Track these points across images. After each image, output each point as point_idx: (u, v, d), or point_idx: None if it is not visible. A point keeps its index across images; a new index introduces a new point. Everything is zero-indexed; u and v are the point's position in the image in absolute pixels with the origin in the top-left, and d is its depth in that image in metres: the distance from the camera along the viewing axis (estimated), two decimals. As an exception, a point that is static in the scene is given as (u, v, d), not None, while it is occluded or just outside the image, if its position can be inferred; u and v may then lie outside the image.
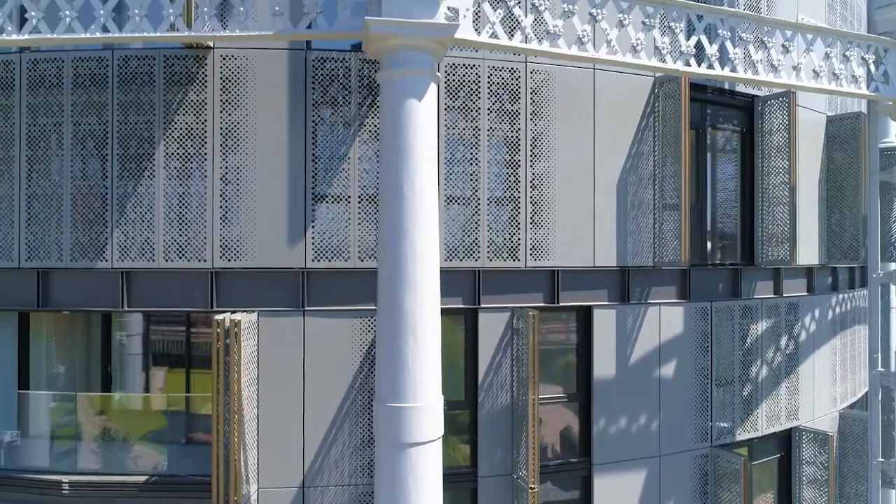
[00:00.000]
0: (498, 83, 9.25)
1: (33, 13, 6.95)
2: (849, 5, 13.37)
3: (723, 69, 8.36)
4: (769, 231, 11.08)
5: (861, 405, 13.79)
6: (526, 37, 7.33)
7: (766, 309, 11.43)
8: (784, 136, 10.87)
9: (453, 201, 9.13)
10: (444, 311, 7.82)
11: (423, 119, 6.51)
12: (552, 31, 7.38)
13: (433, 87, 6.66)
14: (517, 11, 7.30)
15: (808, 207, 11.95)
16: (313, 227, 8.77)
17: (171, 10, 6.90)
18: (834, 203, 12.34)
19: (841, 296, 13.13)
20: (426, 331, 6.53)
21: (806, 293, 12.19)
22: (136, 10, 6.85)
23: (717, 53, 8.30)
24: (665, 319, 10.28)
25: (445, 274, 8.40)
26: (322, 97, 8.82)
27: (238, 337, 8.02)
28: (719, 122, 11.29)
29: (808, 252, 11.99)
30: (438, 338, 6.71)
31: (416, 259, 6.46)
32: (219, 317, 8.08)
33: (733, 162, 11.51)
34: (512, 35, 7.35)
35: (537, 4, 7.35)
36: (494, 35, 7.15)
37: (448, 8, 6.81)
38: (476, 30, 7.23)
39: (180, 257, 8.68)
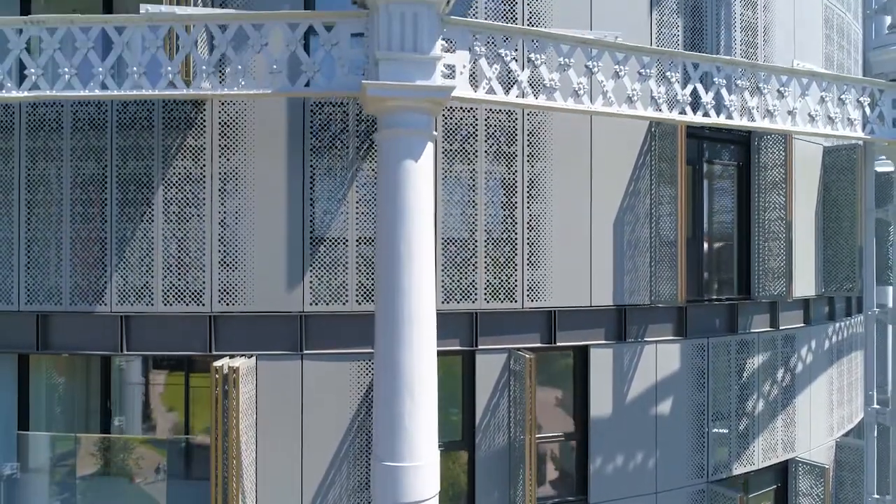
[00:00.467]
0: (495, 125, 9.29)
1: (32, 70, 6.99)
2: (846, 34, 13.40)
3: (718, 116, 8.41)
4: (766, 266, 11.13)
5: (858, 431, 13.84)
6: (522, 91, 7.38)
7: (762, 343, 11.49)
8: (781, 171, 10.92)
9: (450, 243, 9.17)
10: (441, 353, 7.91)
11: (419, 180, 6.56)
12: (548, 85, 7.42)
13: (430, 147, 6.71)
14: (513, 66, 7.34)
15: (804, 238, 11.99)
16: (311, 270, 8.81)
17: (169, 68, 6.94)
18: (830, 233, 12.38)
19: (838, 324, 13.17)
20: (423, 390, 6.58)
21: (802, 324, 12.23)
22: (135, 68, 6.89)
23: (713, 101, 8.35)
24: (661, 357, 10.33)
25: (442, 316, 8.46)
26: (320, 141, 8.87)
27: (236, 383, 8.06)
28: (716, 158, 11.34)
29: (805, 283, 12.03)
30: (435, 396, 6.77)
31: (412, 319, 6.51)
32: (217, 363, 8.13)
33: (730, 195, 11.56)
34: (508, 90, 7.40)
35: (533, 59, 7.39)
36: (491, 90, 7.20)
37: (445, 65, 6.86)
38: (473, 85, 7.27)
39: (179, 301, 8.72)
